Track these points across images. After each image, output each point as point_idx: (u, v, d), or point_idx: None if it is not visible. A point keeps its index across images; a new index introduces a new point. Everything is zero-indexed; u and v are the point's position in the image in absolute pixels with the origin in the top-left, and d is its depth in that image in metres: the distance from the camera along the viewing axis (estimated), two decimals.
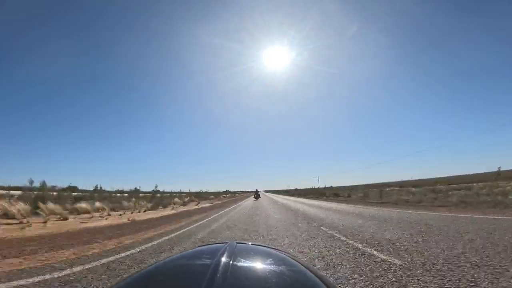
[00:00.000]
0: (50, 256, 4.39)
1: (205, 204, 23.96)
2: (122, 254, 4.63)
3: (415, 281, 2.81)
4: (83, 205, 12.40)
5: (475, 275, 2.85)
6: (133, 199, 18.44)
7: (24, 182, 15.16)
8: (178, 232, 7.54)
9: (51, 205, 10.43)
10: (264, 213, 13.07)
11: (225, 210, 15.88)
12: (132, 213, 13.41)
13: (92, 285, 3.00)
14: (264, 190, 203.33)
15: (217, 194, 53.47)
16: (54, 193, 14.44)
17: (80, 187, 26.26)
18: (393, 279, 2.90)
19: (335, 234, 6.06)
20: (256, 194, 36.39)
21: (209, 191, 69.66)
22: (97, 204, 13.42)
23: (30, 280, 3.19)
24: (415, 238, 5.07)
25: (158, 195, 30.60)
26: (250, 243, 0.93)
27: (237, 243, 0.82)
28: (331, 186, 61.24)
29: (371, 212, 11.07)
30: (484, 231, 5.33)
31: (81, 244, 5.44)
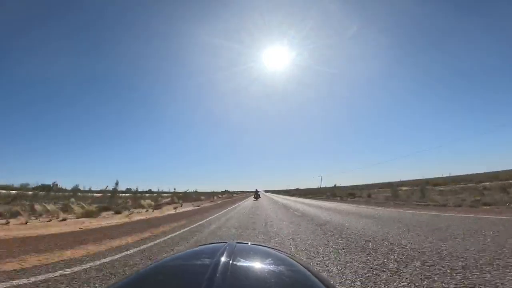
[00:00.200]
0: None
1: (187, 208, 18.16)
2: None
3: None
4: None
5: None
6: (75, 200, 12.60)
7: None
8: None
9: None
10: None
11: (202, 222, 10.21)
12: (50, 220, 7.66)
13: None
14: (264, 190, 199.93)
15: (211, 195, 47.24)
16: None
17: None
18: None
19: None
20: (256, 194, 35.99)
21: (209, 191, 63.67)
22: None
23: None
24: None
25: (138, 195, 25.59)
26: (249, 243, 0.89)
27: (237, 242, 0.81)
28: (335, 185, 55.83)
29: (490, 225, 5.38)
30: None
31: None
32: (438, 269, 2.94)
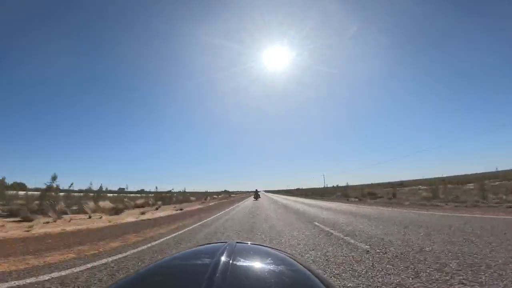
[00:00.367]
0: None
1: (160, 214, 13.33)
2: None
3: None
4: None
5: None
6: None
7: None
8: None
9: None
10: None
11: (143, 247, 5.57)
12: None
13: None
14: (264, 190, 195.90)
15: (205, 195, 42.17)
16: None
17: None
18: None
19: None
20: (256, 194, 35.41)
21: (207, 191, 58.31)
22: None
23: None
24: None
25: (122, 194, 20.96)
26: (249, 242, 0.88)
27: (237, 242, 0.79)
28: (337, 185, 51.61)
29: None
30: None
31: None
32: None
